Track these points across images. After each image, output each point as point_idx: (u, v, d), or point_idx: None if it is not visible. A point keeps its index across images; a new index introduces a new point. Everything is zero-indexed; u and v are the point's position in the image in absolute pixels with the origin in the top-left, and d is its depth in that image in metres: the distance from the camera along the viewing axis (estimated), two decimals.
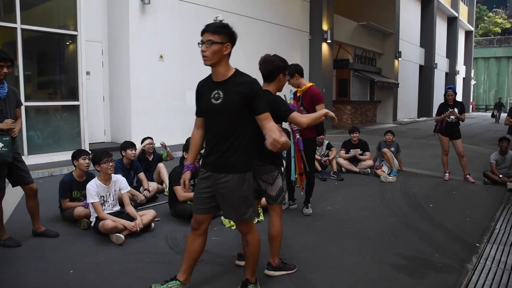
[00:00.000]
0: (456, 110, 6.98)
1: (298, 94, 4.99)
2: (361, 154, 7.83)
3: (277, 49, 14.48)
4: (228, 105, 2.72)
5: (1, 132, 3.77)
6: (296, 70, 4.90)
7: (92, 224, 4.35)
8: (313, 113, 4.63)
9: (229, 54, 2.84)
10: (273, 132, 2.59)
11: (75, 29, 8.29)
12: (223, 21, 11.72)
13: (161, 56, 10.17)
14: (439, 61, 30.99)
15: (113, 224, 4.08)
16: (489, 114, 29.96)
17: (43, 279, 3.32)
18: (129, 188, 4.70)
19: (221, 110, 2.74)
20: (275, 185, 3.38)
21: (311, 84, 4.97)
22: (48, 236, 4.23)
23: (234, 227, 4.56)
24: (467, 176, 7.26)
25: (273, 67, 3.65)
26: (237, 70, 2.87)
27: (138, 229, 4.19)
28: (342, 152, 7.90)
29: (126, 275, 3.39)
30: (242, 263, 3.60)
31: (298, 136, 4.80)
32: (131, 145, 5.55)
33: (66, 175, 4.90)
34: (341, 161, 7.78)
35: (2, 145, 3.74)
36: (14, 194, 5.87)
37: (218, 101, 2.75)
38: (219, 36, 2.73)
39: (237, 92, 2.71)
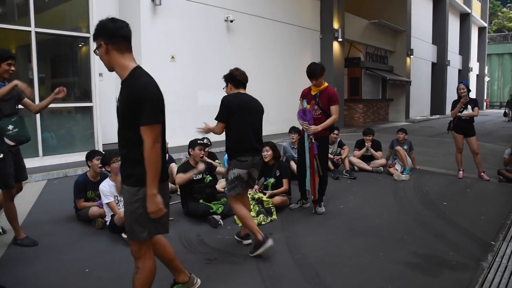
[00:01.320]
0: (469, 106, 6.90)
1: (313, 93, 4.96)
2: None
3: (288, 48, 14.51)
4: (119, 111, 2.40)
5: (8, 114, 3.78)
6: (321, 69, 4.89)
7: (107, 223, 4.40)
8: (326, 119, 4.74)
9: (116, 51, 2.38)
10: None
11: (88, 31, 8.39)
12: (233, 21, 11.81)
13: (172, 57, 10.23)
14: (452, 58, 30.64)
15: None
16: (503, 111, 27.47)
17: (60, 278, 3.37)
18: None
19: (118, 115, 2.43)
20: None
21: (327, 84, 4.97)
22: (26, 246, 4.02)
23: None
24: (482, 174, 7.17)
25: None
26: (134, 70, 2.40)
27: None
28: (356, 151, 7.87)
29: None
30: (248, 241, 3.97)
31: (314, 141, 4.84)
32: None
33: (80, 175, 4.96)
34: (354, 159, 7.74)
35: (12, 126, 3.74)
36: (31, 194, 5.98)
37: (117, 105, 2.44)
38: (96, 40, 2.38)
39: (123, 97, 2.38)
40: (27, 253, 3.84)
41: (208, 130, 3.90)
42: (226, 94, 3.95)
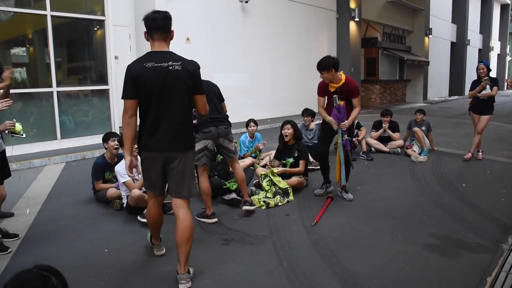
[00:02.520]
0: (487, 86, 6.71)
1: (332, 89, 4.68)
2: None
3: (303, 29, 14.31)
4: None
5: None
6: (334, 64, 4.56)
7: (124, 205, 4.46)
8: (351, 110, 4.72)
9: (150, 39, 2.98)
10: None
11: (103, 14, 8.39)
12: (248, 2, 11.65)
13: (187, 39, 10.17)
14: (472, 37, 29.81)
15: (138, 193, 4.15)
16: None
17: (80, 257, 3.44)
18: None
19: None
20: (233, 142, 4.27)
21: (344, 75, 4.65)
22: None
23: (264, 207, 4.59)
24: (470, 153, 7.04)
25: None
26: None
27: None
28: (373, 133, 7.78)
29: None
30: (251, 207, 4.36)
31: (346, 137, 4.74)
32: None
33: (98, 157, 5.02)
34: (371, 141, 7.66)
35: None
36: (49, 177, 6.08)
37: None
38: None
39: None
40: (47, 235, 3.92)
41: None
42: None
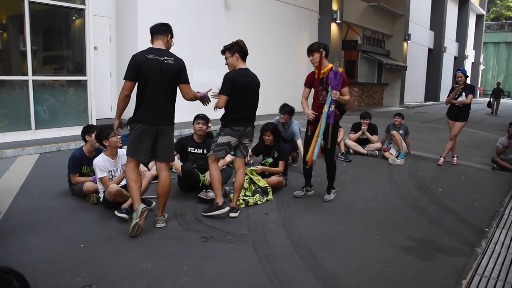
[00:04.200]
0: (463, 93, 6.87)
1: (319, 76, 4.65)
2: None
3: (285, 28, 14.32)
4: None
5: None
6: (325, 47, 4.65)
7: (101, 199, 4.36)
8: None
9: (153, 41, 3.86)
10: None
11: (83, 3, 8.16)
12: None
13: None
14: (449, 44, 30.51)
15: (116, 188, 4.07)
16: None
17: (54, 252, 3.33)
18: None
19: None
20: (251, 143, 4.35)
21: (331, 65, 4.63)
22: None
23: (243, 205, 4.56)
24: (442, 159, 7.21)
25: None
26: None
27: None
28: (352, 134, 7.85)
29: (137, 250, 3.40)
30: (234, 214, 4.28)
31: (333, 108, 4.57)
32: None
33: (76, 150, 4.88)
34: (349, 142, 7.73)
35: None
36: (23, 167, 5.90)
37: None
38: None
39: None
40: (20, 228, 3.78)
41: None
42: (228, 70, 4.25)
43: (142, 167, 4.65)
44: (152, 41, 3.82)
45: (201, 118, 5.12)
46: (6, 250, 3.32)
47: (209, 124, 5.37)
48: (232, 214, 4.24)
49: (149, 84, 3.63)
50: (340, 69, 4.55)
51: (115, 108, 3.91)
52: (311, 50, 4.64)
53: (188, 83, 3.85)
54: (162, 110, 3.71)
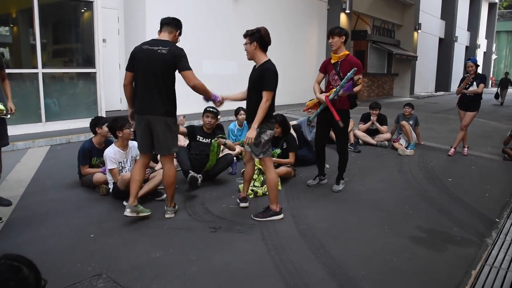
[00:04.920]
0: (474, 82, 6.78)
1: (332, 61, 4.71)
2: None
3: (294, 19, 14.21)
4: None
5: None
6: (346, 33, 4.64)
7: (111, 190, 4.39)
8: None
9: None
10: None
11: None
12: None
13: None
14: (460, 34, 30.08)
15: (129, 175, 4.07)
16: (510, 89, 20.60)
17: (65, 242, 3.38)
18: None
19: None
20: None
21: (347, 52, 4.66)
22: (1, 205, 4.09)
23: (251, 196, 4.57)
24: (453, 149, 7.14)
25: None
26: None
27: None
28: (361, 125, 7.81)
29: (146, 240, 3.44)
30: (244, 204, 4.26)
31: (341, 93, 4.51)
32: None
33: (85, 141, 4.92)
34: (359, 133, 7.69)
35: None
36: (34, 160, 5.97)
37: None
38: None
39: None
40: (31, 219, 3.84)
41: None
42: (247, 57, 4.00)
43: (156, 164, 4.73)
44: (159, 31, 3.82)
45: (211, 112, 5.10)
46: (18, 240, 3.37)
47: (218, 117, 5.37)
48: (242, 204, 4.25)
49: (139, 74, 3.67)
50: (358, 80, 4.49)
51: (124, 100, 4.03)
52: (332, 33, 4.64)
53: (187, 69, 3.65)
54: (153, 100, 3.65)
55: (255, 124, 3.74)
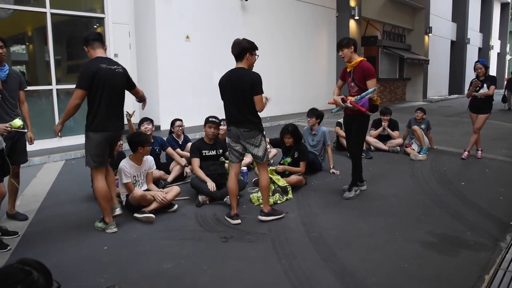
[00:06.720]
0: (485, 84, 6.71)
1: (348, 70, 4.85)
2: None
3: (303, 27, 14.29)
4: None
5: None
6: (354, 43, 4.77)
7: (124, 203, 4.46)
8: (365, 89, 4.64)
9: (91, 49, 3.86)
10: None
11: (102, 12, 8.38)
12: (248, 0, 11.64)
13: (187, 37, 10.17)
14: (472, 36, 29.79)
15: (141, 193, 4.22)
16: None
17: (80, 254, 3.45)
18: (155, 167, 4.81)
19: None
20: (261, 147, 4.05)
21: (362, 58, 4.75)
22: (18, 219, 4.21)
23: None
24: (466, 152, 7.06)
25: (240, 48, 4.20)
26: None
27: (163, 198, 4.32)
28: (373, 131, 7.79)
29: (158, 251, 3.48)
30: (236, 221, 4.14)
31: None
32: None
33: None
34: (370, 139, 7.67)
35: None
36: (49, 174, 6.09)
37: None
38: None
39: None
40: (46, 232, 3.92)
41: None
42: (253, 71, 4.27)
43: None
44: (93, 48, 3.81)
45: (213, 122, 5.05)
46: (34, 252, 3.44)
47: (221, 127, 5.39)
48: (233, 222, 4.12)
49: (104, 92, 3.73)
50: (375, 99, 4.64)
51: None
52: (340, 46, 4.78)
53: (135, 86, 4.19)
54: (117, 116, 3.94)
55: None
